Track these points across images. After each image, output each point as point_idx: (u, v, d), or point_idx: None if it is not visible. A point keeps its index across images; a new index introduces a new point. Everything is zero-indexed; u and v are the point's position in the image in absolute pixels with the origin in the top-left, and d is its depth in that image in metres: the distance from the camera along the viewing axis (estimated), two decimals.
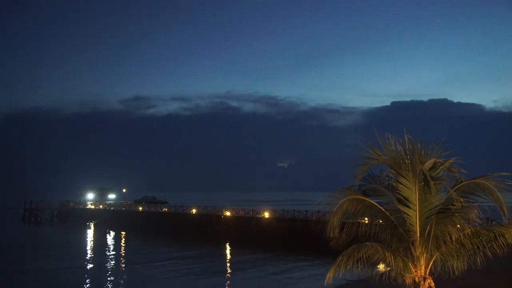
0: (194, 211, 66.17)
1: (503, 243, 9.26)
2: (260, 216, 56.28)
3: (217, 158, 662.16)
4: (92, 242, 57.99)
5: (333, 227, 9.97)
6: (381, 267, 10.03)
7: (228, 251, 47.18)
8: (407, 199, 9.70)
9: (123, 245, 54.15)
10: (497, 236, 9.35)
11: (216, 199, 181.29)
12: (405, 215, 9.80)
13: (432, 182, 9.20)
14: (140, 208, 78.94)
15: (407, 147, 9.82)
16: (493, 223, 11.45)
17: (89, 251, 49.10)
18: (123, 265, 38.90)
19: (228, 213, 60.07)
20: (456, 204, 9.68)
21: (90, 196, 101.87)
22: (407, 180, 9.65)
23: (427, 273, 9.71)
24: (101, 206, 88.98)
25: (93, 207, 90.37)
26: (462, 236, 9.33)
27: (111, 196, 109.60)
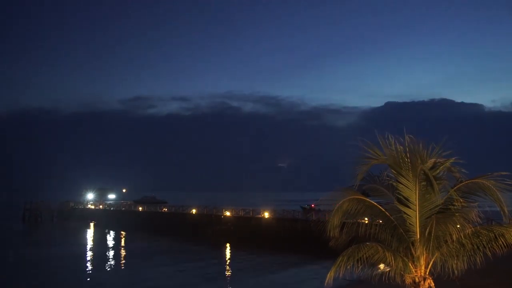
0: (194, 211, 66.13)
1: (503, 243, 9.24)
2: (260, 216, 56.26)
3: (217, 158, 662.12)
4: (92, 242, 57.94)
5: (333, 227, 9.96)
6: (381, 267, 10.03)
7: (228, 251, 47.16)
8: (407, 199, 9.69)
9: (123, 245, 54.15)
10: (497, 236, 9.33)
11: (216, 199, 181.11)
12: (405, 215, 9.79)
13: (435, 182, 9.18)
14: (140, 208, 78.92)
15: (407, 146, 9.81)
16: (493, 223, 11.42)
17: (88, 251, 49.04)
18: (123, 265, 38.90)
19: (228, 213, 60.05)
20: (456, 204, 9.68)
21: (90, 196, 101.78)
22: (407, 180, 9.63)
23: (427, 273, 9.71)
24: (101, 206, 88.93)
25: (93, 207, 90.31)
26: (462, 236, 9.32)
27: (111, 196, 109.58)
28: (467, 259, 9.49)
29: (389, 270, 9.75)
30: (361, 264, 9.61)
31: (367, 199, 10.33)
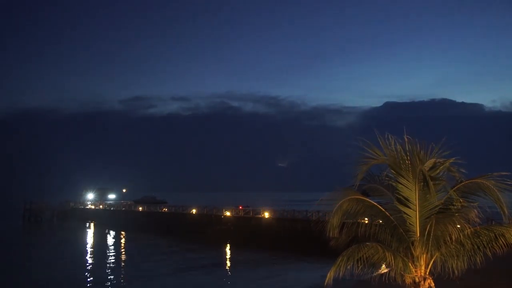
0: (194, 211, 66.12)
1: (503, 243, 9.25)
2: (260, 216, 56.25)
3: (217, 158, 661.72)
4: (92, 242, 57.94)
5: (333, 227, 9.96)
6: (381, 267, 10.02)
7: (228, 251, 47.16)
8: (407, 199, 9.69)
9: (123, 244, 54.14)
10: (497, 236, 9.33)
11: (216, 199, 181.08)
12: (405, 215, 9.79)
13: (431, 182, 9.18)
14: (140, 208, 78.92)
15: (407, 147, 9.81)
16: (493, 223, 11.40)
17: (89, 251, 49.05)
18: (123, 265, 38.89)
19: (228, 213, 60.04)
20: (456, 204, 9.67)
21: (90, 196, 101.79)
22: (407, 180, 9.63)
23: (427, 273, 9.70)
24: (101, 206, 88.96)
25: (93, 207, 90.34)
26: (462, 236, 9.32)
27: (111, 196, 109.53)
28: (467, 259, 9.49)
29: (389, 270, 9.74)
30: (361, 264, 9.61)
31: (367, 199, 10.32)
